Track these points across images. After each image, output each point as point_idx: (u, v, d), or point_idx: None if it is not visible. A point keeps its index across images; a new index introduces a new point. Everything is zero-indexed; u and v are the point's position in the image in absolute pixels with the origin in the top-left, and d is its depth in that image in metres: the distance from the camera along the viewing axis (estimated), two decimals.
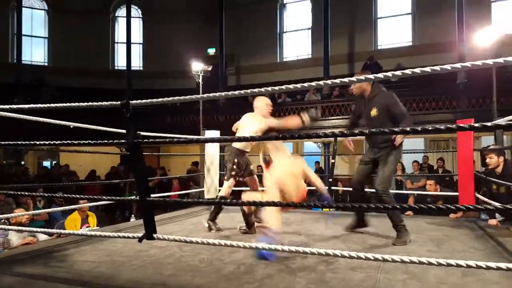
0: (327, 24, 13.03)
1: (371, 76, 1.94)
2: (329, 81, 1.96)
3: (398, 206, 2.06)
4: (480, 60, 1.70)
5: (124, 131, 2.30)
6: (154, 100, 2.20)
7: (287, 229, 3.96)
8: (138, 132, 2.78)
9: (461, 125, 1.69)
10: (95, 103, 2.25)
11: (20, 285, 2.35)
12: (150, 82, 15.53)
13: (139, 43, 17.12)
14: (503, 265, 1.56)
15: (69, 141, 2.33)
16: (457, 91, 10.38)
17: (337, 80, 1.95)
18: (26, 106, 2.64)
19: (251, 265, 2.68)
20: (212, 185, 5.47)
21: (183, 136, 1.99)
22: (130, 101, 2.21)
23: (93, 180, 10.99)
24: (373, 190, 3.49)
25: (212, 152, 5.63)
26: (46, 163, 15.82)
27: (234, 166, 3.96)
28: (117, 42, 17.17)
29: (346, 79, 1.97)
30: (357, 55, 14.11)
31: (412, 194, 6.43)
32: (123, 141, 2.27)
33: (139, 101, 2.26)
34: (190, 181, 10.01)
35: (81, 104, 2.29)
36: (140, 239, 2.21)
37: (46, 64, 16.46)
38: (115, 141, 2.30)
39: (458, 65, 1.78)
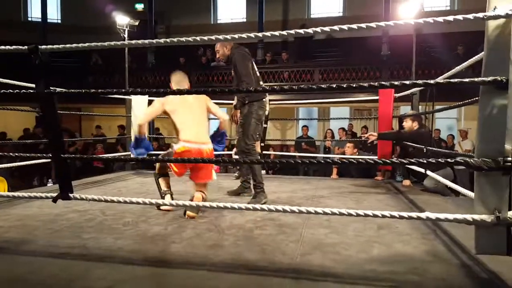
0: None
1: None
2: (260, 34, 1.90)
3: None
4: (404, 37, 1.77)
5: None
6: (68, 46, 1.98)
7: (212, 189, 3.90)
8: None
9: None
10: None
11: None
12: (69, 37, 14.04)
13: None
14: (413, 214, 1.70)
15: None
16: (381, 62, 11.01)
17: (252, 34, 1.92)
18: None
19: (179, 227, 2.62)
20: None
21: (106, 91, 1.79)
22: (40, 47, 1.98)
23: (5, 144, 10.00)
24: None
25: (139, 114, 5.35)
26: None
27: None
28: None
29: (260, 34, 1.93)
30: (290, 22, 14.17)
31: (336, 157, 6.75)
32: (31, 91, 2.03)
33: (49, 46, 2.03)
34: (118, 145, 9.55)
35: None
36: (55, 199, 2.03)
37: None
38: (22, 91, 2.05)
39: (382, 24, 1.80)
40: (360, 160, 1.83)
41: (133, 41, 1.90)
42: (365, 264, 1.87)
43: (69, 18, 15.10)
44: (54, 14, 15.34)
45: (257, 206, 1.96)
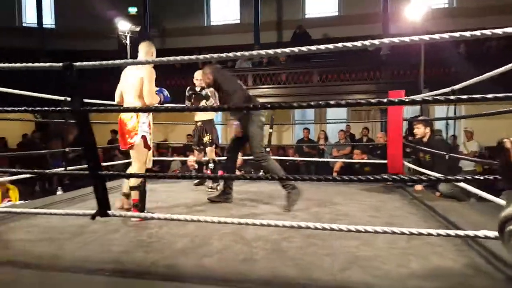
0: None
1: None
2: (263, 51, 1.97)
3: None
4: (406, 34, 1.79)
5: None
6: (104, 62, 1.97)
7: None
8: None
9: (390, 99, 1.78)
10: (34, 64, 1.96)
11: None
12: (65, 42, 14.01)
13: None
14: (442, 231, 1.75)
15: (13, 108, 2.01)
16: (380, 62, 10.79)
17: (271, 51, 1.94)
18: None
19: (204, 238, 2.63)
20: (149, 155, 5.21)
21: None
22: (75, 64, 1.97)
23: (5, 150, 9.88)
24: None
25: (145, 120, 5.30)
26: None
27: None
28: None
29: (279, 50, 1.95)
30: (285, 23, 14.16)
31: (340, 161, 6.78)
32: (67, 108, 2.02)
33: (85, 63, 2.02)
34: (116, 150, 9.44)
35: (16, 64, 1.98)
36: (93, 217, 2.03)
37: None
38: (58, 108, 2.04)
39: (386, 40, 1.84)
40: (384, 177, 1.85)
41: (158, 59, 1.90)
42: (408, 280, 1.89)
43: (64, 23, 14.94)
44: (48, 19, 15.17)
45: (286, 223, 1.98)
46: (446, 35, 1.69)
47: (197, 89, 4.70)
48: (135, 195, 3.17)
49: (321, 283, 1.90)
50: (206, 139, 4.82)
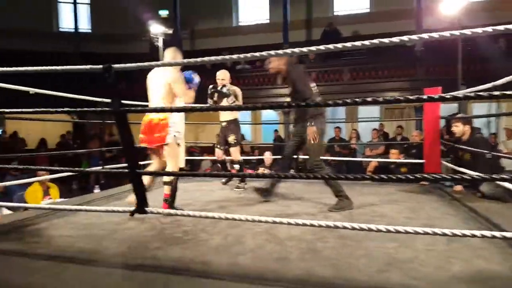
0: None
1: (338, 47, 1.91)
2: (288, 50, 1.97)
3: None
4: (441, 29, 1.72)
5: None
6: (136, 64, 2.02)
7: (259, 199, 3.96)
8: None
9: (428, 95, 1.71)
10: (75, 67, 2.03)
11: None
12: (99, 45, 14.51)
13: (86, 3, 15.88)
14: (487, 233, 1.66)
15: (57, 109, 2.09)
16: (414, 58, 10.52)
17: (296, 49, 1.92)
18: None
19: (237, 236, 2.64)
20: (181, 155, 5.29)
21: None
22: (113, 65, 2.02)
23: (45, 150, 10.33)
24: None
25: (176, 120, 5.38)
26: None
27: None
28: (60, 2, 15.82)
29: (305, 49, 1.92)
30: (314, 21, 14.05)
31: (374, 161, 6.63)
32: (107, 109, 2.08)
33: (122, 65, 2.07)
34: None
35: (57, 67, 2.05)
36: (132, 213, 2.08)
37: None
38: (99, 109, 2.10)
39: (414, 37, 1.79)
40: (424, 176, 1.79)
41: (199, 59, 1.91)
42: (449, 283, 1.82)
43: (99, 28, 15.44)
44: (84, 24, 15.70)
45: (323, 223, 1.95)
46: (480, 30, 1.63)
47: (219, 88, 4.68)
48: (167, 189, 3.33)
49: (357, 284, 1.86)
50: (231, 139, 4.81)
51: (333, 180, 3.46)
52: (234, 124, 4.86)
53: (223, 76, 4.69)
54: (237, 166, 4.88)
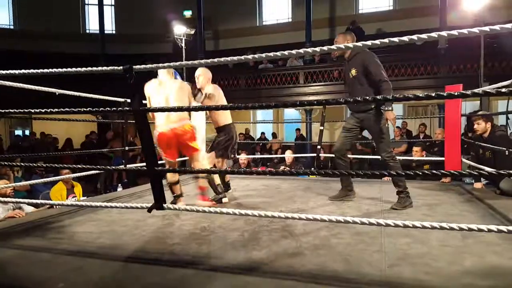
0: None
1: (350, 45, 1.89)
2: (309, 49, 1.92)
3: (403, 173, 2.07)
4: (464, 26, 1.70)
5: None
6: (156, 65, 2.10)
7: (280, 197, 4.03)
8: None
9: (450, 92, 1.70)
10: (97, 68, 2.13)
11: (21, 258, 2.28)
12: (123, 46, 14.88)
13: (111, 5, 16.30)
14: (504, 227, 1.63)
15: (78, 109, 2.21)
16: (438, 56, 10.34)
17: (317, 49, 1.91)
18: (3, 72, 2.44)
19: (253, 232, 2.70)
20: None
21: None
22: (134, 66, 2.11)
23: (71, 149, 10.69)
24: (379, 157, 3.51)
25: (198, 121, 5.45)
26: (18, 132, 15.25)
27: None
28: (87, 4, 16.31)
29: (325, 47, 1.91)
30: (337, 19, 13.97)
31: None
32: (127, 108, 2.17)
33: (142, 66, 2.15)
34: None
35: (80, 69, 2.16)
36: (150, 209, 2.16)
37: (12, 27, 15.50)
38: (118, 108, 2.20)
39: (444, 33, 1.74)
40: (443, 172, 1.77)
41: (222, 59, 1.97)
42: (461, 278, 1.83)
43: (122, 28, 15.81)
44: (109, 26, 16.13)
45: (340, 218, 1.96)
46: (498, 27, 1.63)
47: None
48: (203, 182, 3.56)
49: (369, 278, 1.88)
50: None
51: (401, 176, 3.23)
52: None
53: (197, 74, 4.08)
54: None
